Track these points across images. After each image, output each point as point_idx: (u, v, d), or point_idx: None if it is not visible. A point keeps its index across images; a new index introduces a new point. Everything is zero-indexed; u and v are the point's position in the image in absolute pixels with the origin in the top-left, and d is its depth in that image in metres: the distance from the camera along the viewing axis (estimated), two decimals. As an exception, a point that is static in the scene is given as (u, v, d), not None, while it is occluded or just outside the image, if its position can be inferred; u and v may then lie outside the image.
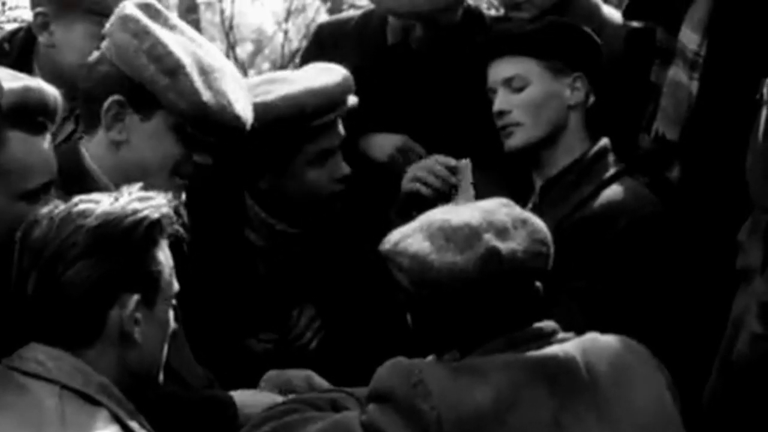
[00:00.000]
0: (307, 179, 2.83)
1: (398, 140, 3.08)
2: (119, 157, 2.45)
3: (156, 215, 2.04)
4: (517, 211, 2.23)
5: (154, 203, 2.06)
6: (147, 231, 2.03)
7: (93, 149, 2.46)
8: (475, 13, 3.14)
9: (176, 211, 2.11)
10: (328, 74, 2.85)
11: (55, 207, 2.04)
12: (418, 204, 2.83)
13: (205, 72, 2.47)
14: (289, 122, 2.76)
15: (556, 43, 2.85)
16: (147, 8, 2.49)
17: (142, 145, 2.44)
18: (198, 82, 2.44)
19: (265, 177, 2.84)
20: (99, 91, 2.43)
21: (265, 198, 2.88)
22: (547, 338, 2.15)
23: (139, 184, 2.11)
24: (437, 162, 2.94)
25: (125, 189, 2.08)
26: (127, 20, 2.43)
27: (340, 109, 2.83)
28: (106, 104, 2.41)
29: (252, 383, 2.60)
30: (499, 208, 2.21)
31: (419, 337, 2.21)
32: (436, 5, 2.95)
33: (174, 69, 2.41)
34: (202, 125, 2.46)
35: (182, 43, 2.49)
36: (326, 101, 2.79)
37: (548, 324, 2.18)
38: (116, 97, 2.41)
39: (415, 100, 3.07)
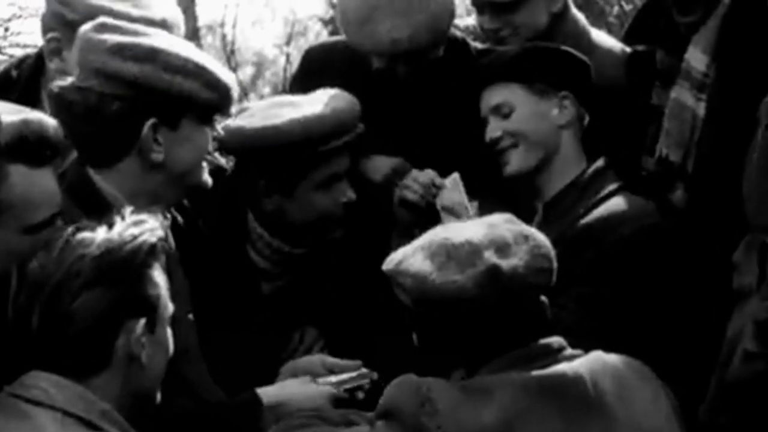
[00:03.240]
0: (312, 202, 2.85)
1: (394, 163, 3.10)
2: (152, 179, 2.42)
3: (153, 239, 2.05)
4: (521, 226, 2.23)
5: (149, 227, 2.06)
6: (147, 255, 2.03)
7: (116, 179, 2.41)
8: (460, 44, 3.15)
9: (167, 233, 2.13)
10: (335, 100, 2.88)
11: (51, 239, 2.03)
12: (412, 214, 2.88)
13: (202, 56, 2.48)
14: (296, 147, 2.78)
15: (537, 65, 2.88)
16: (106, 27, 2.43)
17: (179, 154, 2.43)
18: (215, 68, 2.44)
19: (271, 198, 2.85)
20: (120, 126, 2.37)
21: (269, 219, 2.89)
22: (555, 355, 2.15)
23: (130, 208, 2.11)
24: (425, 173, 2.98)
25: (116, 215, 2.08)
26: (122, 49, 2.37)
27: (348, 135, 2.85)
28: (144, 131, 2.37)
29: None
30: (502, 224, 2.21)
31: (425, 355, 2.21)
32: (416, 46, 2.95)
33: (196, 69, 2.40)
34: (226, 104, 2.48)
35: (176, 41, 2.48)
36: (334, 127, 2.82)
37: (555, 340, 2.17)
38: (152, 120, 2.37)
39: (402, 124, 3.08)
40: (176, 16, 2.82)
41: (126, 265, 2.00)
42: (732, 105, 2.67)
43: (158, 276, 2.07)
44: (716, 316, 2.55)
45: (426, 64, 3.02)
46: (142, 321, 2.02)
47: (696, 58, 2.82)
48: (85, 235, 2.02)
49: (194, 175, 2.47)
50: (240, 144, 2.80)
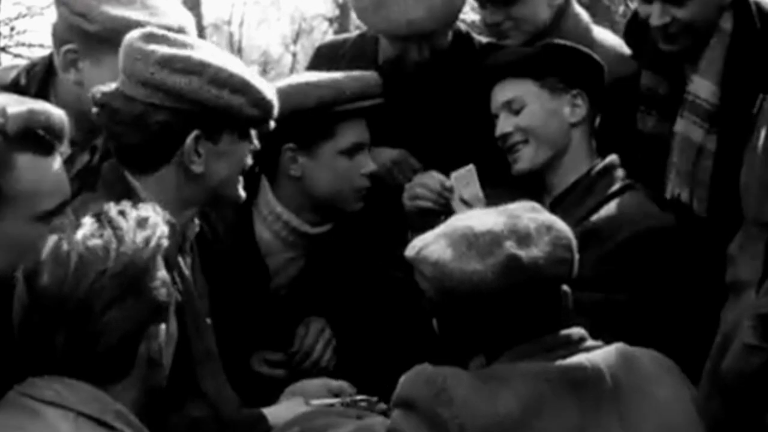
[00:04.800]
0: (336, 168, 2.90)
1: (395, 153, 3.11)
2: (189, 189, 2.45)
3: (163, 241, 2.03)
4: (543, 215, 2.22)
5: (152, 224, 2.04)
6: (158, 262, 2.02)
7: (153, 186, 2.44)
8: (464, 37, 3.17)
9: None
10: (359, 71, 2.98)
11: (56, 247, 1.99)
12: (423, 219, 2.88)
13: (247, 71, 2.51)
14: (325, 103, 2.85)
15: (551, 62, 2.90)
16: (154, 38, 2.45)
17: (217, 167, 2.45)
18: (261, 85, 2.47)
19: (297, 163, 2.90)
20: (164, 136, 2.40)
21: (292, 192, 2.93)
22: (575, 345, 2.15)
23: (129, 203, 2.09)
24: (430, 176, 3.00)
25: (114, 210, 2.04)
26: (170, 61, 2.38)
27: (372, 100, 2.93)
28: (187, 143, 2.39)
29: (262, 403, 2.61)
30: (525, 213, 2.20)
31: (445, 343, 2.21)
32: (432, 26, 2.98)
33: (243, 85, 2.42)
34: (267, 119, 2.51)
35: (220, 54, 2.51)
36: (360, 86, 2.91)
37: (576, 331, 2.17)
38: (195, 132, 2.40)
39: (408, 118, 3.09)
40: (190, 22, 2.83)
41: (145, 276, 1.99)
42: (743, 138, 2.63)
43: (163, 273, 2.05)
44: (713, 314, 2.55)
45: (438, 50, 3.04)
46: (163, 327, 2.02)
47: (704, 89, 2.83)
48: (96, 243, 1.98)
49: (229, 188, 2.49)
50: None
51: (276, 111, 2.51)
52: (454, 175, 2.94)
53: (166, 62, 2.38)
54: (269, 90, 2.50)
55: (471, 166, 2.93)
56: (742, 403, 2.33)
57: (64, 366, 1.97)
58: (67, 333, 1.95)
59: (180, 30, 2.68)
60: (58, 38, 2.78)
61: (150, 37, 2.43)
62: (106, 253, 1.97)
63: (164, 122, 2.38)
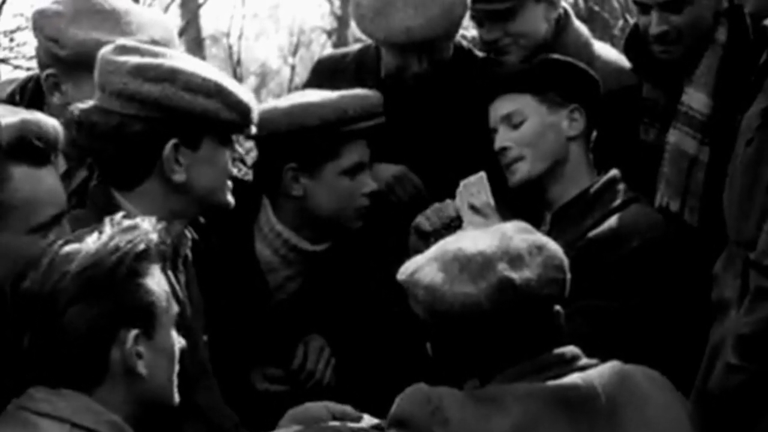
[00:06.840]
0: (337, 188, 2.91)
1: (396, 170, 3.13)
2: (175, 200, 2.45)
3: (141, 246, 2.02)
4: (534, 236, 2.23)
5: (139, 231, 2.04)
6: (132, 265, 2.01)
7: (140, 201, 2.43)
8: (465, 51, 3.18)
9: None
10: (361, 90, 2.99)
11: (43, 254, 2.02)
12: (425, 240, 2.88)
13: (221, 76, 2.50)
14: (329, 124, 2.86)
15: (550, 77, 2.92)
16: (125, 50, 2.46)
17: (200, 174, 2.45)
18: (236, 89, 2.47)
19: (299, 182, 2.90)
20: (140, 149, 2.40)
21: (292, 209, 2.94)
22: (569, 364, 2.16)
23: (122, 213, 2.10)
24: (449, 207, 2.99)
25: (108, 220, 2.06)
26: (142, 70, 2.39)
27: (375, 120, 2.93)
28: (166, 152, 2.39)
29: (261, 421, 2.60)
30: (516, 234, 2.21)
31: (439, 365, 2.22)
32: (431, 35, 2.99)
33: (216, 89, 2.42)
34: (247, 124, 2.50)
35: (193, 61, 2.51)
36: (364, 106, 2.92)
37: (569, 350, 2.18)
38: (173, 141, 2.40)
39: (409, 133, 3.10)
40: (166, 34, 2.82)
41: (108, 278, 1.99)
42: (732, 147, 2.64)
43: (152, 281, 2.04)
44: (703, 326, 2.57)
45: (438, 63, 3.05)
46: (134, 332, 2.00)
47: (697, 100, 2.86)
48: (72, 248, 2.01)
49: (217, 196, 2.49)
50: (273, 125, 2.82)
51: (255, 114, 2.51)
52: (463, 182, 2.93)
53: (138, 72, 2.38)
54: (245, 93, 2.49)
55: (482, 174, 2.93)
56: (726, 422, 2.33)
57: (35, 367, 1.98)
58: (33, 332, 1.98)
59: (153, 43, 2.67)
60: (40, 62, 2.82)
61: (122, 50, 2.44)
62: (75, 256, 1.99)
63: (141, 132, 2.38)
